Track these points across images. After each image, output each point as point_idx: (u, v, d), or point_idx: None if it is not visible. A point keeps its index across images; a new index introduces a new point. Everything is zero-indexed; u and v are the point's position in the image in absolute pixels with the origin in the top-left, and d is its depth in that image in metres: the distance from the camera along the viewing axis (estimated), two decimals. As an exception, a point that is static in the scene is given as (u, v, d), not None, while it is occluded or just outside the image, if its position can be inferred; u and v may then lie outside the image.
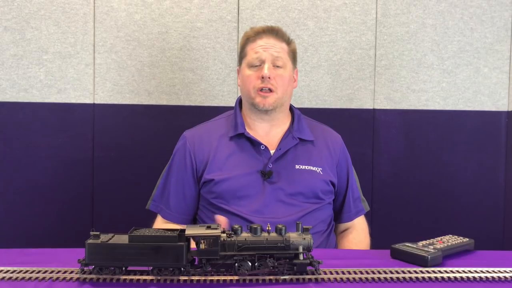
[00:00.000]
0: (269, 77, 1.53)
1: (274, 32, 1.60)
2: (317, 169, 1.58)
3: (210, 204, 1.56)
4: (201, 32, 2.18)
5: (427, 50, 2.27)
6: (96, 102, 2.16)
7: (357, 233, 1.66)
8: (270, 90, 1.55)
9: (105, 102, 2.16)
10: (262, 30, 1.61)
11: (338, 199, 1.66)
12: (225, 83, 2.20)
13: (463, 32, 2.27)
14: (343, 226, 1.69)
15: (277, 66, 1.56)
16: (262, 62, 1.56)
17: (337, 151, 1.65)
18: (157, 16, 2.17)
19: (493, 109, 2.30)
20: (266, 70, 1.53)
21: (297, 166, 1.57)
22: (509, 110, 2.30)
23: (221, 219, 1.41)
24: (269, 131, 1.62)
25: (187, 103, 2.19)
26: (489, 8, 2.27)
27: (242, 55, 1.64)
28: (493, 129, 2.30)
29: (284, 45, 1.60)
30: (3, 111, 2.12)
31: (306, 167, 1.58)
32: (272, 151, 1.58)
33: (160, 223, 1.61)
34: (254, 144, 1.58)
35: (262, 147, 1.57)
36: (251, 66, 1.58)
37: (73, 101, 2.15)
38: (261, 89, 1.54)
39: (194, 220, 1.66)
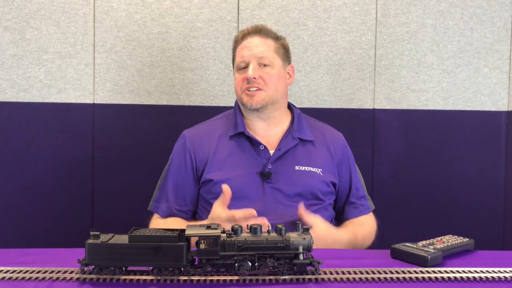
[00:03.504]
0: (254, 78, 1.53)
1: (257, 30, 1.60)
2: (317, 170, 1.57)
3: (209, 205, 1.56)
4: (201, 32, 2.18)
5: (427, 50, 2.27)
6: (96, 102, 2.16)
7: (361, 220, 1.65)
8: (259, 89, 1.55)
9: (105, 102, 2.16)
10: (247, 31, 1.61)
11: (341, 198, 1.65)
12: (225, 83, 2.20)
13: (463, 32, 2.27)
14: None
15: (264, 65, 1.56)
16: (247, 63, 1.56)
17: (337, 151, 1.64)
18: (157, 16, 2.17)
19: (493, 109, 2.30)
20: (250, 71, 1.53)
21: (296, 167, 1.56)
22: (509, 110, 2.30)
23: (225, 189, 1.37)
24: (268, 131, 1.62)
25: (187, 103, 2.19)
26: (489, 8, 2.27)
27: (232, 59, 1.66)
28: (493, 129, 2.30)
29: (270, 42, 1.59)
30: (3, 111, 2.12)
31: (306, 168, 1.57)
32: (271, 152, 1.57)
33: (155, 220, 1.60)
34: (254, 143, 1.58)
35: (262, 147, 1.57)
36: (239, 69, 1.59)
37: (73, 101, 2.15)
38: (248, 90, 1.55)
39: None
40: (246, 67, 1.56)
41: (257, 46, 1.57)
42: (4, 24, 2.11)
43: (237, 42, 1.62)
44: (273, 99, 1.57)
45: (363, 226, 1.61)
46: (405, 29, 2.25)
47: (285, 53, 1.64)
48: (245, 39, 1.59)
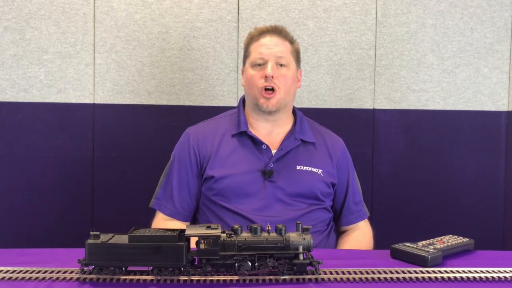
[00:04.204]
0: (272, 76, 1.53)
1: (277, 31, 1.61)
2: (318, 170, 1.58)
3: (210, 202, 1.56)
4: (201, 32, 2.18)
5: (427, 50, 2.27)
6: (96, 102, 2.16)
7: (357, 233, 1.66)
8: (273, 90, 1.55)
9: (105, 102, 2.16)
10: (266, 29, 1.61)
11: (339, 201, 1.66)
12: (225, 83, 2.20)
13: (463, 32, 2.27)
14: (344, 228, 1.69)
15: (281, 65, 1.56)
16: (265, 61, 1.55)
17: (337, 153, 1.65)
18: (157, 16, 2.17)
19: (493, 109, 2.30)
20: (269, 69, 1.53)
21: (298, 167, 1.57)
22: (509, 110, 2.30)
23: None
24: (271, 131, 1.62)
25: (187, 103, 2.19)
26: (489, 8, 2.27)
27: (246, 55, 1.64)
28: (493, 129, 2.30)
29: (287, 44, 1.60)
30: (3, 111, 2.12)
31: (307, 168, 1.58)
32: (273, 151, 1.58)
33: (161, 220, 1.60)
34: (256, 143, 1.58)
35: (264, 146, 1.58)
36: (254, 65, 1.58)
37: (73, 101, 2.15)
38: (265, 89, 1.55)
39: (193, 222, 1.66)
40: (262, 64, 1.56)
41: (276, 45, 1.57)
42: (4, 24, 2.11)
43: (252, 38, 1.61)
44: (285, 102, 1.59)
45: (360, 242, 1.63)
46: (405, 29, 2.25)
47: (298, 57, 1.65)
48: (263, 36, 1.59)
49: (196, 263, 1.05)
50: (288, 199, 1.53)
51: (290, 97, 1.60)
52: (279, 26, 1.64)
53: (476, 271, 1.09)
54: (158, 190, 1.63)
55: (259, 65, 1.57)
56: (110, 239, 1.02)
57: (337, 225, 1.68)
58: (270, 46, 1.57)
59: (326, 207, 1.60)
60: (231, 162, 1.56)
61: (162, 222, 1.59)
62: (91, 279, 1.02)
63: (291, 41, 1.63)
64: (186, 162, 1.60)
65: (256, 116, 1.62)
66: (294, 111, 1.69)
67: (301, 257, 1.04)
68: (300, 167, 1.57)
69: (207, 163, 1.57)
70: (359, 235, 1.66)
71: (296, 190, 1.54)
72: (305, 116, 1.71)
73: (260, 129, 1.62)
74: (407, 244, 1.24)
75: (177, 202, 1.58)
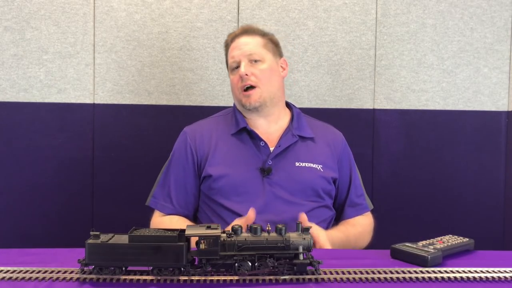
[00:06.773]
0: (246, 74, 1.56)
1: (244, 31, 1.65)
2: (318, 166, 1.58)
3: (210, 200, 1.57)
4: (201, 32, 2.18)
5: (427, 50, 2.27)
6: (96, 102, 2.16)
7: (359, 217, 1.66)
8: (253, 87, 1.57)
9: (105, 102, 2.16)
10: (235, 34, 1.66)
11: (341, 195, 1.66)
12: (225, 83, 2.20)
13: (463, 32, 2.27)
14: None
15: (255, 61, 1.59)
16: (239, 62, 1.59)
17: (338, 148, 1.65)
18: (157, 16, 2.17)
19: (493, 109, 2.30)
20: (242, 68, 1.56)
21: (297, 163, 1.57)
22: (509, 110, 2.30)
23: (250, 213, 1.37)
24: (268, 128, 1.63)
25: (187, 103, 2.19)
26: (489, 8, 2.27)
27: (226, 63, 1.70)
28: (493, 129, 2.30)
29: (257, 39, 1.63)
30: (3, 111, 2.12)
31: (306, 164, 1.57)
32: (271, 148, 1.58)
33: (158, 218, 1.60)
34: (255, 138, 1.59)
35: (262, 143, 1.58)
36: (232, 69, 1.63)
37: (73, 101, 2.15)
38: (244, 89, 1.57)
39: (194, 221, 1.66)
40: (238, 66, 1.60)
41: (245, 44, 1.60)
42: (4, 24, 2.11)
43: (227, 45, 1.67)
44: (270, 95, 1.59)
45: (356, 226, 1.62)
46: (405, 29, 2.25)
47: (275, 48, 1.67)
48: (234, 41, 1.64)
49: (196, 263, 1.05)
50: (288, 197, 1.53)
51: (274, 88, 1.61)
52: (246, 25, 1.69)
53: (476, 271, 1.09)
54: (155, 189, 1.64)
55: (236, 68, 1.61)
56: (110, 239, 1.02)
57: (340, 220, 1.67)
58: (240, 46, 1.61)
59: (327, 204, 1.60)
60: (229, 160, 1.56)
61: (162, 219, 1.59)
62: (91, 279, 1.02)
63: (262, 35, 1.65)
64: (183, 161, 1.60)
65: (249, 115, 1.63)
66: (291, 107, 1.70)
67: (301, 257, 1.03)
68: (299, 164, 1.57)
69: (205, 162, 1.58)
70: (360, 218, 1.66)
71: (295, 187, 1.54)
72: (303, 113, 1.71)
73: (257, 127, 1.63)
74: (407, 244, 1.24)
75: (175, 201, 1.59)
